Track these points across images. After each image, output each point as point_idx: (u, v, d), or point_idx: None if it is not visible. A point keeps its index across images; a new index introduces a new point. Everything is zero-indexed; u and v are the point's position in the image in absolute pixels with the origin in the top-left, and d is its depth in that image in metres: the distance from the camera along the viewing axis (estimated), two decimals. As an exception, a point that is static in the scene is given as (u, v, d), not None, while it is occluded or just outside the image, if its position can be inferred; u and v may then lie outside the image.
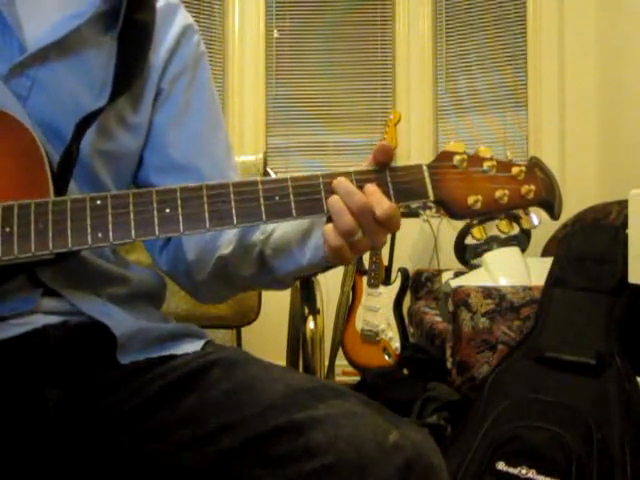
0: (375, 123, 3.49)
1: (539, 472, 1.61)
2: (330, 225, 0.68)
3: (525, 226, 0.73)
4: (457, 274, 2.67)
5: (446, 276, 2.76)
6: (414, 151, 3.51)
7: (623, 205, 2.03)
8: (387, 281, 3.02)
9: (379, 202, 0.67)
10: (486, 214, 0.71)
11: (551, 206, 0.72)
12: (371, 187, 0.68)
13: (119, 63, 0.79)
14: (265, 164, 1.35)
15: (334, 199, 0.68)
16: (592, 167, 3.13)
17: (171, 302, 1.28)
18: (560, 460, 1.60)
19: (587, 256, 1.92)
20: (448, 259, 3.00)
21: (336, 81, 3.56)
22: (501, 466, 1.65)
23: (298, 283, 1.39)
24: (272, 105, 3.57)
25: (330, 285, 2.95)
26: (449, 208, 0.71)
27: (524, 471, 1.62)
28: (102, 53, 0.80)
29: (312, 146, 3.56)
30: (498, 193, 0.71)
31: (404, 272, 3.02)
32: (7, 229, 0.65)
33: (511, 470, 1.63)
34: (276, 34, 3.57)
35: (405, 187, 0.70)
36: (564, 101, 3.26)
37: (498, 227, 0.73)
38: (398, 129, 2.95)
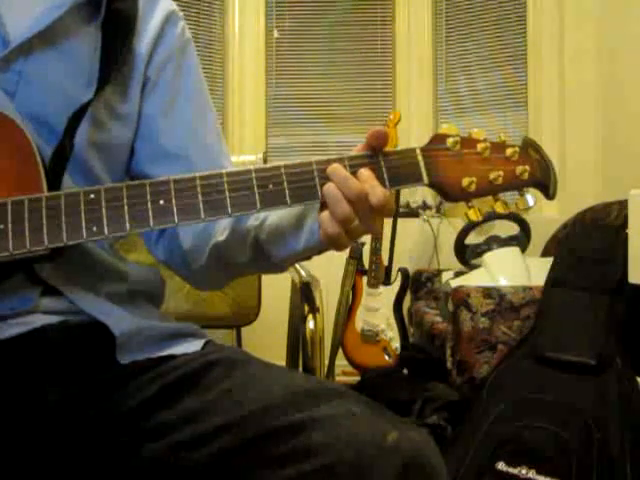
0: (375, 123, 3.49)
1: (539, 472, 1.60)
2: (326, 212, 0.68)
3: (521, 207, 0.73)
4: (457, 274, 2.67)
5: (446, 276, 2.76)
6: (414, 151, 3.51)
7: (623, 205, 2.03)
8: (387, 281, 3.02)
9: (373, 189, 0.67)
10: (481, 196, 0.71)
11: (546, 186, 0.72)
12: (365, 173, 0.68)
13: (104, 52, 0.78)
14: (265, 164, 1.35)
15: (330, 187, 0.67)
16: (592, 167, 3.13)
17: (171, 302, 1.28)
18: (560, 460, 1.60)
19: (587, 256, 1.92)
20: (448, 259, 3.00)
21: (336, 81, 3.56)
22: (501, 466, 1.65)
23: (298, 283, 1.40)
24: (272, 105, 3.56)
25: (330, 285, 2.95)
26: (444, 191, 0.70)
27: (524, 471, 1.62)
28: (87, 43, 0.79)
29: (312, 146, 3.56)
30: (492, 174, 0.71)
31: (404, 272, 3.02)
32: (1, 226, 0.65)
33: (511, 470, 1.63)
34: (276, 34, 3.57)
35: (399, 171, 0.70)
36: (564, 101, 3.25)
37: (494, 208, 0.72)
38: (398, 129, 2.95)
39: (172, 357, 0.78)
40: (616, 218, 2.21)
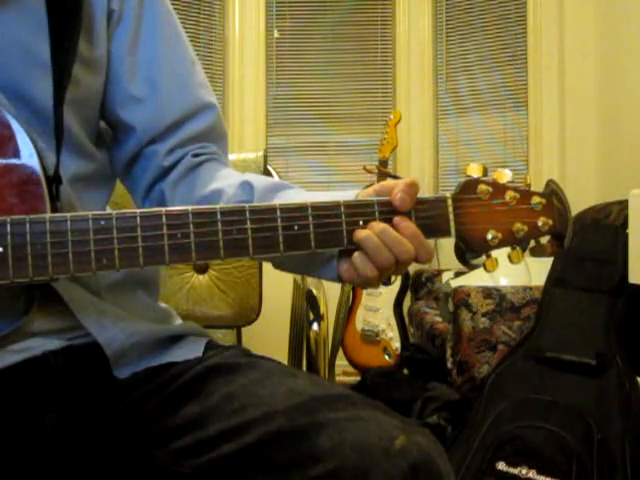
0: (375, 123, 3.49)
1: (539, 472, 1.60)
2: (362, 257, 0.67)
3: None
4: (457, 274, 2.67)
5: (446, 276, 2.76)
6: (414, 151, 3.51)
7: (623, 205, 2.03)
8: (387, 281, 3.02)
9: (422, 247, 0.68)
10: (501, 247, 0.72)
11: (562, 237, 0.72)
12: (409, 227, 0.68)
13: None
14: (265, 162, 1.35)
15: (369, 237, 0.67)
16: (592, 167, 3.13)
17: (170, 302, 1.28)
18: (560, 460, 1.60)
19: (587, 256, 1.92)
20: (448, 259, 3.00)
21: (336, 81, 3.56)
22: (501, 466, 1.65)
23: (300, 284, 1.39)
24: (272, 105, 3.56)
25: (330, 285, 2.94)
26: (467, 243, 0.71)
27: (524, 471, 1.62)
28: None
29: (312, 146, 3.56)
30: (516, 227, 0.71)
31: (404, 272, 3.02)
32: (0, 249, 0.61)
33: (511, 470, 1.63)
34: (276, 34, 3.57)
35: (428, 222, 0.70)
36: (564, 101, 3.25)
37: (509, 257, 0.73)
38: (398, 129, 2.95)
39: (172, 364, 0.75)
40: (616, 218, 2.21)
